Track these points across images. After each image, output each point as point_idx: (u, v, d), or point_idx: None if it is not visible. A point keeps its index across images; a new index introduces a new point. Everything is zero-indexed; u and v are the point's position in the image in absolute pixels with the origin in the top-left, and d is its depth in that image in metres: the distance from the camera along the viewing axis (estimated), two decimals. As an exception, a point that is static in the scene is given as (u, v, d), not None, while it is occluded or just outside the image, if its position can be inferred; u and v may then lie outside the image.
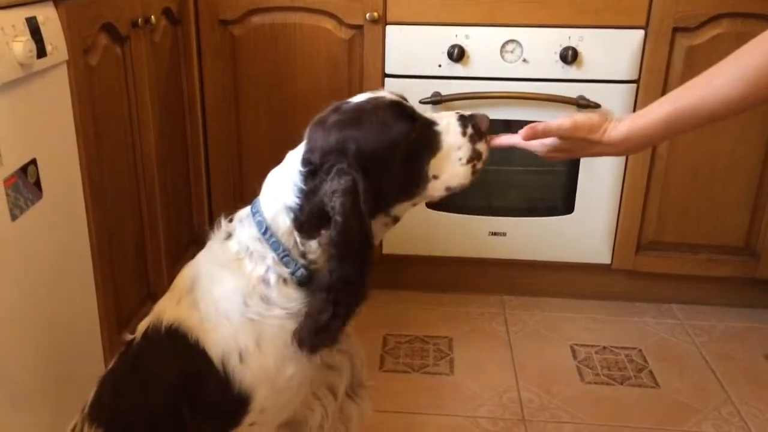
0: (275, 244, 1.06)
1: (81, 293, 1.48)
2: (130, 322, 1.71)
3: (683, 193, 2.13)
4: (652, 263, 2.22)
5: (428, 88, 2.07)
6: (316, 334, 1.03)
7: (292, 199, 1.05)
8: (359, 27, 2.06)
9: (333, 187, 1.01)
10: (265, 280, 1.06)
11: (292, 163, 1.07)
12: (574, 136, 1.12)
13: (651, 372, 1.97)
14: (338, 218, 1.00)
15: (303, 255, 1.06)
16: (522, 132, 1.15)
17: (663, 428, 1.75)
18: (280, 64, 2.12)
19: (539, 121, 1.15)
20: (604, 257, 2.22)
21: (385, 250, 2.24)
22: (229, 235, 1.11)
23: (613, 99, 2.04)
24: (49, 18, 1.30)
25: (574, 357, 2.03)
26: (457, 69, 2.05)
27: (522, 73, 2.05)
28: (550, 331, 2.16)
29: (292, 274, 1.06)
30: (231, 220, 1.13)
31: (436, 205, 2.17)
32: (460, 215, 2.21)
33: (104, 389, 1.15)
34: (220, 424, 1.08)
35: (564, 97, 2.03)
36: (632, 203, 2.15)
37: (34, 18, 1.26)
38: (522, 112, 2.07)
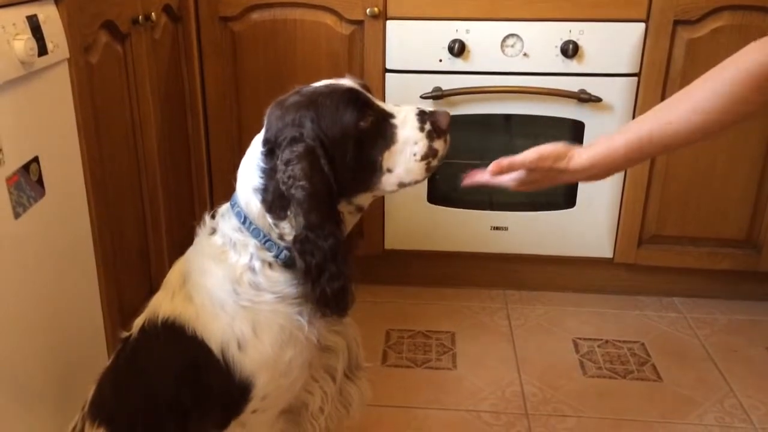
0: (255, 231, 1.08)
1: (84, 290, 1.49)
2: (133, 318, 1.70)
3: (684, 186, 2.13)
4: (653, 257, 2.22)
5: (429, 83, 2.07)
6: (336, 304, 1.05)
7: (257, 180, 1.08)
8: (359, 22, 2.06)
9: (287, 156, 1.02)
10: (251, 268, 1.08)
11: (254, 147, 1.10)
12: (540, 166, 1.14)
13: (653, 365, 1.97)
14: (303, 182, 1.00)
15: (281, 237, 1.08)
16: (489, 168, 1.15)
17: (665, 421, 1.75)
18: (280, 60, 2.12)
19: (504, 157, 1.15)
20: (605, 251, 2.22)
21: (387, 246, 2.25)
22: (213, 231, 1.13)
23: (614, 92, 2.04)
24: (49, 16, 1.31)
25: (577, 351, 2.04)
26: (458, 64, 2.05)
27: (523, 67, 2.05)
28: (552, 325, 2.17)
29: (276, 257, 1.08)
30: (213, 216, 1.15)
31: (438, 199, 2.18)
32: (462, 210, 2.21)
33: (103, 387, 1.16)
34: (223, 414, 1.09)
35: (565, 90, 2.03)
36: (634, 197, 2.15)
37: (35, 16, 1.26)
38: (523, 106, 2.07)
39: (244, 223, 1.09)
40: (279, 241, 1.08)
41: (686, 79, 2.00)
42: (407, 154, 1.07)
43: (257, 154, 1.09)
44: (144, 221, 1.82)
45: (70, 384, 1.39)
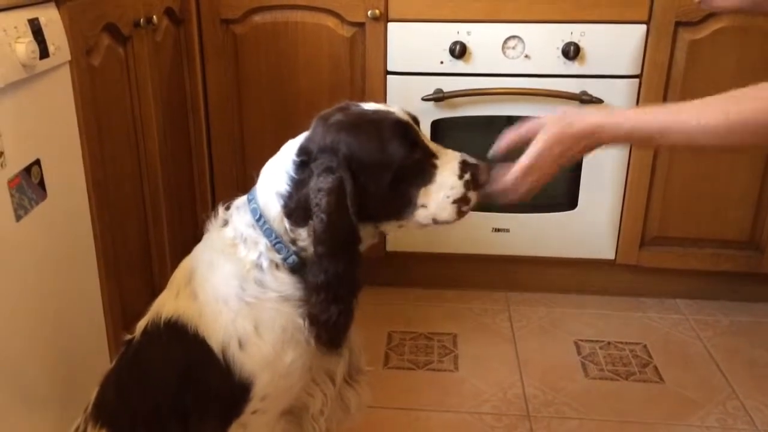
0: (268, 231, 1.08)
1: (86, 292, 1.49)
2: (135, 320, 1.70)
3: (686, 187, 2.13)
4: (656, 258, 2.21)
5: (430, 85, 2.07)
6: (328, 335, 1.06)
7: (284, 186, 1.07)
8: (361, 24, 2.06)
9: (319, 184, 1.03)
10: (258, 265, 1.08)
11: (287, 152, 1.10)
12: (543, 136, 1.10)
13: (655, 367, 1.97)
14: (323, 216, 1.02)
15: (293, 242, 1.08)
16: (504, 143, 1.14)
17: (668, 423, 1.75)
18: (282, 62, 2.12)
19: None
20: (607, 253, 2.22)
21: (389, 248, 2.25)
22: (225, 223, 1.13)
23: (616, 94, 2.04)
24: (51, 19, 1.31)
25: (579, 352, 2.03)
26: (459, 66, 2.05)
27: (524, 69, 2.05)
28: (554, 326, 2.17)
29: (284, 260, 1.08)
30: (228, 208, 1.15)
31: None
32: (464, 212, 2.20)
33: (106, 389, 1.16)
34: (223, 414, 1.09)
35: (566, 92, 2.03)
36: (636, 198, 2.15)
37: (37, 19, 1.26)
38: (524, 108, 2.07)
39: (258, 220, 1.09)
40: (290, 245, 1.08)
41: (688, 81, 2.03)
42: (442, 195, 1.08)
43: (289, 160, 1.08)
44: (146, 223, 1.82)
45: (72, 386, 1.39)
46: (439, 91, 2.07)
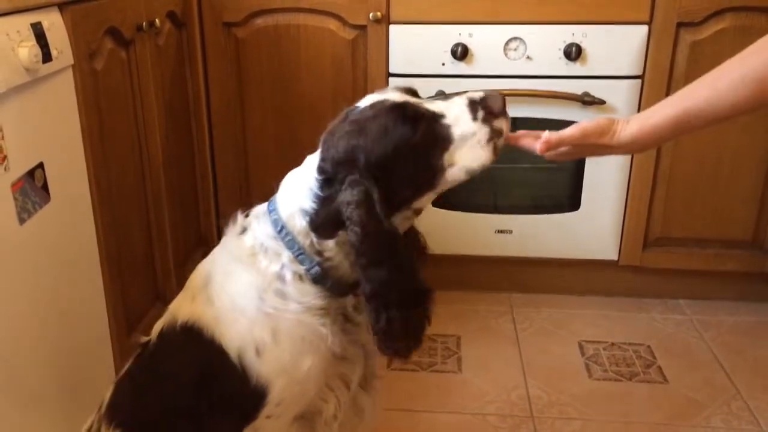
0: (290, 243, 1.08)
1: (90, 296, 1.49)
2: (139, 323, 1.72)
3: (690, 187, 2.13)
4: (659, 259, 2.21)
5: (432, 86, 2.07)
6: (385, 343, 1.05)
7: (309, 204, 1.07)
8: (363, 27, 2.07)
9: (347, 198, 1.02)
10: (280, 277, 1.07)
11: (310, 168, 1.09)
12: (584, 143, 1.13)
13: (659, 368, 1.96)
14: (357, 229, 1.01)
15: (319, 253, 1.07)
16: (539, 147, 1.16)
17: (672, 424, 1.74)
18: (284, 65, 2.13)
19: (551, 132, 1.15)
20: (611, 253, 2.22)
21: (392, 250, 2.24)
22: (244, 230, 1.12)
23: (618, 95, 2.04)
24: (54, 23, 1.31)
25: (582, 353, 2.03)
26: (461, 67, 2.06)
27: (526, 70, 2.05)
28: (557, 327, 2.16)
29: (308, 270, 1.08)
30: (247, 216, 1.14)
31: (443, 203, 2.18)
32: (467, 213, 2.21)
33: (121, 390, 1.16)
34: (237, 419, 1.09)
35: (568, 93, 2.03)
36: (639, 199, 2.15)
37: (39, 23, 1.26)
38: (527, 109, 2.07)
39: (280, 232, 1.08)
40: (314, 256, 1.08)
41: (690, 81, 1.99)
42: (470, 144, 1.06)
43: (312, 178, 1.07)
44: (149, 226, 1.82)
45: (76, 389, 1.39)
46: (441, 92, 2.07)
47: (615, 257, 2.22)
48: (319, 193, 1.06)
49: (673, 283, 2.29)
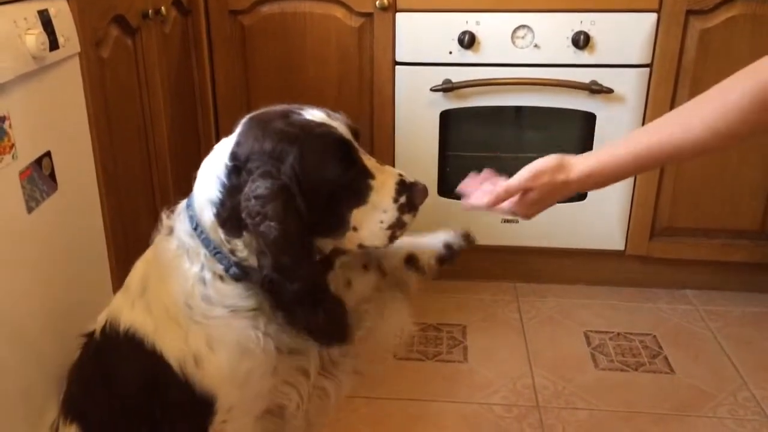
0: (206, 240, 1.03)
1: (97, 284, 1.49)
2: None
3: (697, 177, 2.11)
4: (666, 249, 2.21)
5: (439, 75, 2.06)
6: (320, 338, 1.04)
7: (215, 193, 1.01)
8: (369, 15, 2.06)
9: (257, 191, 0.96)
10: (201, 279, 1.04)
11: (220, 154, 1.03)
12: (538, 184, 1.10)
13: (666, 358, 1.96)
14: (274, 224, 0.95)
15: (232, 252, 1.03)
16: (485, 202, 1.13)
17: (678, 414, 1.74)
18: (290, 53, 2.12)
19: (499, 184, 1.12)
20: (617, 243, 2.21)
21: (398, 239, 2.24)
22: (170, 231, 1.09)
23: (626, 84, 2.02)
24: (60, 10, 1.31)
25: (588, 343, 2.03)
26: (468, 56, 2.04)
27: (533, 58, 2.03)
28: (563, 317, 2.16)
29: (226, 270, 1.03)
30: (172, 213, 1.11)
31: (448, 192, 2.17)
32: (473, 202, 2.20)
33: (72, 384, 1.15)
34: (191, 425, 1.07)
35: (576, 82, 2.02)
36: (646, 188, 2.14)
37: (46, 11, 1.26)
38: (534, 98, 2.06)
39: (195, 229, 1.04)
40: (230, 255, 1.03)
41: (699, 70, 2.01)
42: (374, 219, 1.02)
43: (221, 164, 1.01)
44: (156, 215, 1.82)
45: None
46: (447, 81, 2.06)
47: (622, 247, 2.22)
48: (225, 181, 1.00)
49: (680, 273, 2.28)
